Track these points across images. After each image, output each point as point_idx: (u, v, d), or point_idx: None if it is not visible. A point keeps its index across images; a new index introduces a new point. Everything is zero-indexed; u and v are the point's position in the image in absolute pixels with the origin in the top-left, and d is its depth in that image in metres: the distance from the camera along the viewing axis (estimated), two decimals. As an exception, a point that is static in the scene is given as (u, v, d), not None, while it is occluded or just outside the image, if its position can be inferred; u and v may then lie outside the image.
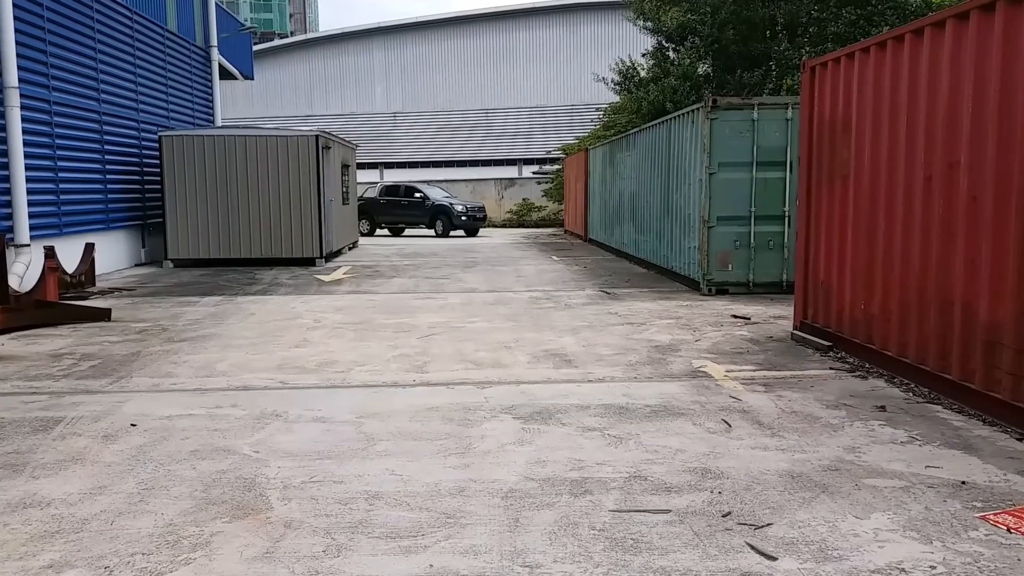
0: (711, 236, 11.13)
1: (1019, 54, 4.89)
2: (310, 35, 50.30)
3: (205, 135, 16.04)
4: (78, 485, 4.14)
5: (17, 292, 10.03)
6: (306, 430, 5.06)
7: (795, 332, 8.00)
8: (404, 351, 7.52)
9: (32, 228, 11.70)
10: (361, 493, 4.00)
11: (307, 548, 3.40)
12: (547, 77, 40.52)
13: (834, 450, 4.59)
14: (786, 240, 10.97)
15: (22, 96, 11.54)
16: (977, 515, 3.68)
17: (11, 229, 11.36)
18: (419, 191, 26.48)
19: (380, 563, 3.26)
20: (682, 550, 3.35)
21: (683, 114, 12.44)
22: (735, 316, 9.38)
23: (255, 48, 31.52)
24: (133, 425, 5.18)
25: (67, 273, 11.76)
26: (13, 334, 8.54)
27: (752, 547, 3.37)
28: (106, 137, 14.88)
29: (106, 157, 14.89)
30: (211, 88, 20.87)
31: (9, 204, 11.39)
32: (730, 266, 11.22)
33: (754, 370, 6.66)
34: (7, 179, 11.38)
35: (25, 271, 11.22)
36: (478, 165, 40.13)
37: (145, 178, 16.61)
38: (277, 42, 46.31)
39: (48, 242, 11.60)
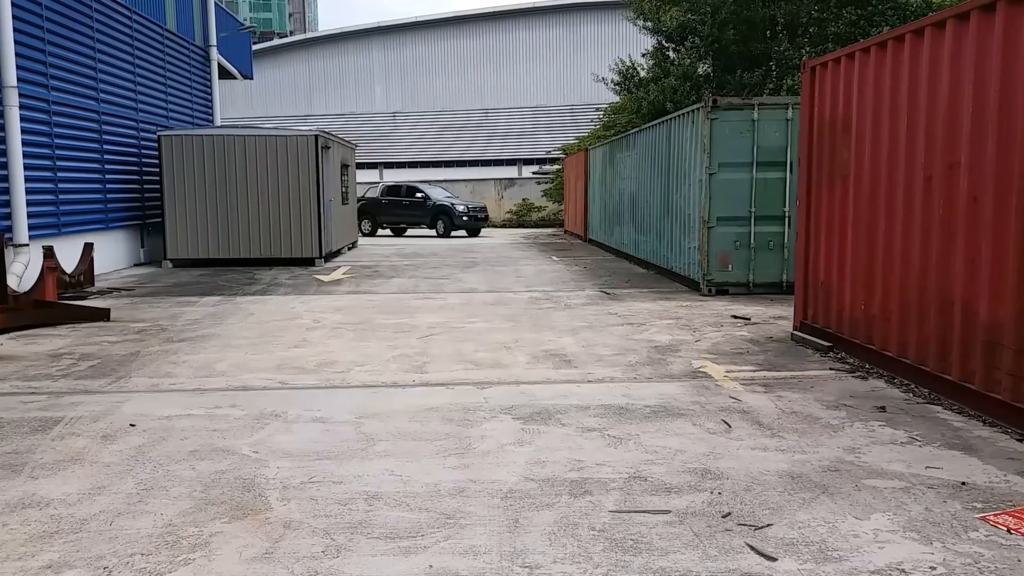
0: (711, 236, 11.13)
1: (1019, 54, 4.89)
2: (309, 35, 50.28)
3: (204, 135, 16.03)
4: (77, 485, 4.13)
5: (16, 292, 10.02)
6: (305, 430, 5.06)
7: (795, 332, 8.00)
8: (404, 351, 7.51)
9: (31, 228, 11.70)
10: (360, 493, 3.99)
11: (306, 548, 3.39)
12: (547, 77, 40.52)
13: (834, 451, 4.59)
14: (786, 240, 10.97)
15: (21, 96, 11.53)
16: (977, 516, 3.68)
17: (10, 229, 11.35)
18: (420, 191, 26.45)
19: (379, 564, 3.26)
20: (682, 551, 3.34)
21: (683, 114, 12.44)
22: (735, 316, 9.37)
23: (254, 48, 31.49)
24: (132, 425, 5.17)
25: (66, 273, 11.75)
26: (12, 334, 8.53)
27: (752, 548, 3.37)
28: (105, 137, 14.87)
29: (105, 157, 14.88)
30: (210, 88, 20.86)
31: (8, 204, 11.38)
32: (730, 266, 11.22)
33: (754, 370, 6.66)
34: (6, 179, 11.37)
35: (24, 271, 11.21)
36: (478, 165, 40.13)
37: (144, 178, 16.60)
38: (276, 42, 46.29)
39: (47, 242, 11.58)
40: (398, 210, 26.63)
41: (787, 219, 10.93)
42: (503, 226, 31.70)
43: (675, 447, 4.67)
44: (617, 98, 23.54)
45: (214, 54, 20.82)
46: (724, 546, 3.39)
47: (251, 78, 26.95)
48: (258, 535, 3.53)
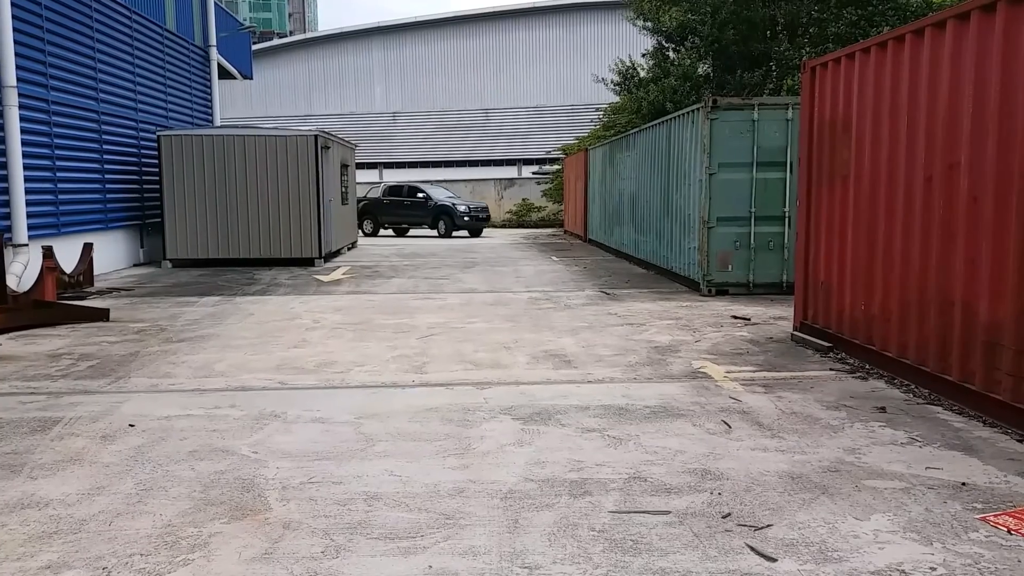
0: (711, 237, 11.13)
1: (1019, 54, 4.89)
2: (309, 35, 50.27)
3: (204, 135, 16.02)
4: (76, 486, 4.12)
5: (15, 292, 10.01)
6: (305, 431, 5.05)
7: (795, 333, 8.00)
8: (403, 351, 7.51)
9: (30, 228, 11.69)
10: (360, 494, 3.99)
11: (306, 549, 3.38)
12: (547, 77, 40.52)
13: (834, 451, 4.58)
14: (786, 241, 10.96)
15: (20, 95, 11.52)
16: (977, 516, 3.67)
17: (9, 229, 11.34)
18: (422, 191, 26.41)
19: (379, 564, 3.25)
20: (682, 551, 3.34)
21: (683, 114, 12.43)
22: (735, 317, 9.37)
23: (254, 48, 31.48)
24: (131, 425, 5.17)
25: (65, 273, 11.74)
26: (11, 334, 8.52)
27: (752, 548, 3.36)
28: (105, 137, 14.86)
29: (104, 157, 14.88)
30: (210, 88, 20.85)
31: (7, 204, 11.37)
32: (730, 267, 11.21)
33: (754, 371, 6.65)
34: (5, 179, 11.36)
35: (23, 271, 11.21)
36: (477, 165, 40.13)
37: (144, 178, 16.59)
38: (276, 42, 46.28)
39: (46, 242, 11.58)
40: (400, 210, 26.61)
41: (787, 219, 10.93)
42: (503, 226, 31.69)
43: (675, 447, 4.67)
44: (617, 98, 23.53)
45: (214, 54, 20.81)
46: (724, 547, 3.38)
47: (251, 78, 26.95)
48: (257, 535, 3.52)
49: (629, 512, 3.75)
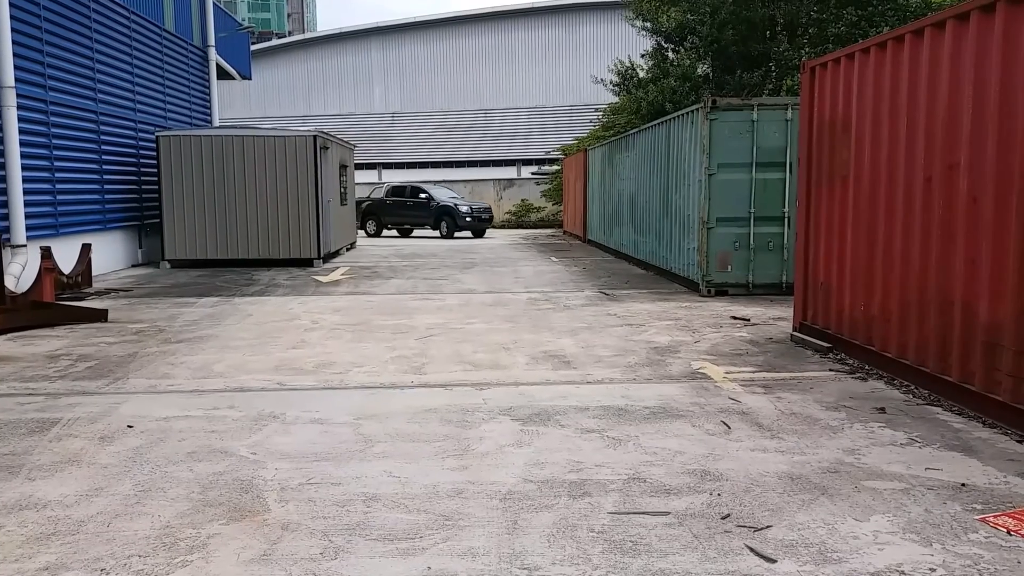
0: (710, 237, 11.12)
1: (1019, 55, 4.88)
2: (308, 35, 50.27)
3: (202, 135, 16.00)
4: (74, 487, 4.11)
5: (13, 293, 9.99)
6: (304, 432, 5.04)
7: (794, 333, 7.99)
8: (402, 352, 7.50)
9: (28, 228, 11.67)
10: (359, 495, 3.98)
11: (305, 550, 3.38)
12: (546, 77, 40.54)
13: (834, 452, 4.58)
14: (786, 241, 10.96)
15: (19, 96, 11.50)
16: (977, 517, 3.67)
17: (7, 229, 11.33)
18: (424, 192, 26.35)
19: (378, 565, 3.24)
20: (681, 552, 3.33)
21: (682, 115, 12.43)
22: (734, 317, 9.37)
23: (253, 48, 31.48)
24: (130, 426, 5.16)
25: (63, 274, 11.72)
26: (9, 335, 8.51)
27: (751, 549, 3.36)
28: (103, 137, 14.84)
29: (103, 157, 14.86)
30: (208, 88, 20.84)
31: (5, 204, 11.36)
32: (729, 267, 11.21)
33: (753, 372, 6.65)
34: (3, 179, 11.34)
35: (21, 271, 11.19)
36: (477, 166, 40.14)
37: (142, 178, 16.58)
38: (275, 42, 46.28)
39: (44, 242, 11.56)
40: (402, 211, 26.55)
41: (787, 220, 10.93)
42: (502, 227, 31.67)
43: (674, 448, 4.66)
44: (616, 99, 23.53)
45: (212, 54, 20.80)
46: (723, 548, 3.37)
47: (249, 78, 26.94)
48: (256, 537, 3.51)
49: (628, 513, 3.74)
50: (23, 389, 6.22)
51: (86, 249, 12.64)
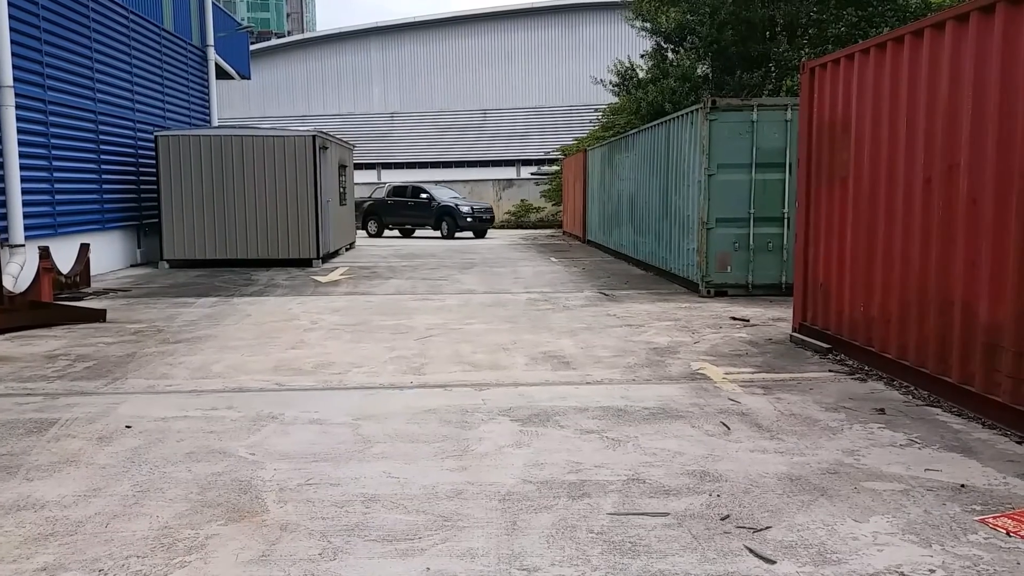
0: (710, 238, 11.12)
1: (1019, 55, 4.88)
2: (307, 35, 50.26)
3: (201, 135, 15.99)
4: (72, 487, 4.10)
5: (11, 292, 9.98)
6: (302, 432, 5.04)
7: (794, 334, 7.99)
8: (401, 353, 7.49)
9: (27, 228, 11.66)
10: (358, 496, 3.97)
11: (303, 551, 3.37)
12: (545, 78, 40.54)
13: (833, 453, 4.57)
14: (785, 242, 10.96)
15: (17, 96, 11.49)
16: (976, 518, 3.66)
17: (6, 229, 11.32)
18: (426, 192, 26.30)
19: (377, 566, 3.24)
20: (680, 553, 3.33)
21: (682, 115, 12.43)
22: (734, 318, 9.36)
23: (252, 48, 31.47)
24: (128, 427, 5.15)
25: (62, 274, 11.71)
26: (7, 335, 8.50)
27: (751, 550, 3.35)
28: (102, 137, 14.83)
29: (102, 157, 14.85)
30: (207, 88, 20.83)
31: (4, 204, 11.34)
32: (729, 268, 11.21)
33: (753, 372, 6.64)
34: (1, 179, 11.33)
35: (20, 271, 11.18)
36: (476, 166, 40.15)
37: (141, 178, 16.56)
38: (274, 42, 46.29)
39: (43, 242, 11.54)
40: (404, 211, 26.51)
41: (786, 220, 10.92)
42: (501, 227, 31.67)
43: (674, 449, 4.66)
44: (616, 99, 23.53)
45: (211, 54, 20.78)
46: (723, 549, 3.37)
47: (249, 78, 26.93)
48: (254, 538, 3.51)
49: (628, 514, 3.73)
50: (21, 389, 6.21)
51: (84, 249, 12.63)
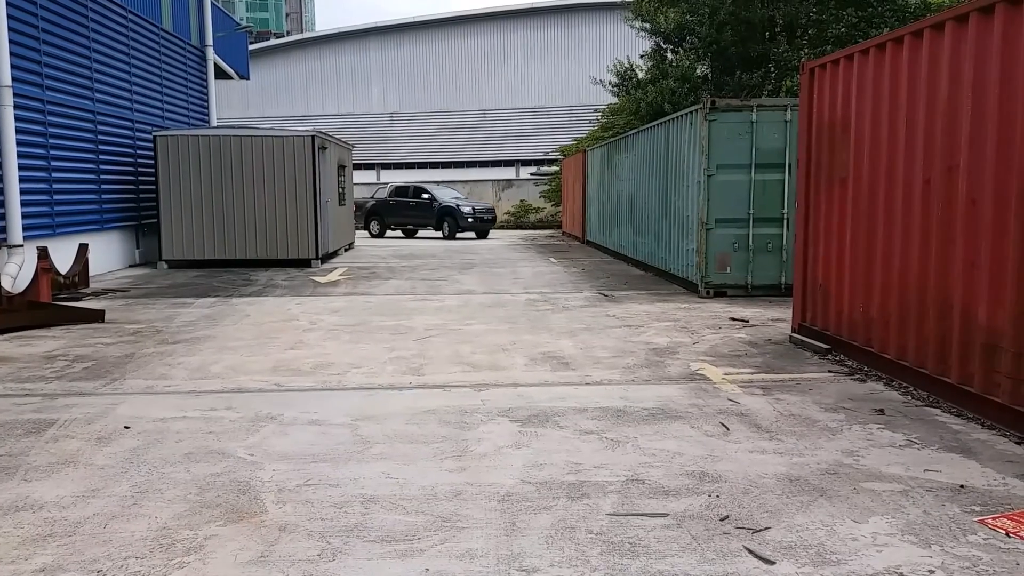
0: (709, 238, 11.12)
1: (1018, 56, 4.88)
2: (306, 35, 50.25)
3: (200, 135, 15.98)
4: (71, 488, 4.10)
5: (10, 293, 9.97)
6: (301, 433, 5.03)
7: (793, 335, 7.99)
8: (400, 353, 7.48)
9: (25, 228, 11.63)
10: (357, 496, 3.97)
11: (302, 552, 3.36)
12: (545, 78, 40.54)
13: (832, 453, 4.57)
14: (785, 242, 10.96)
15: (16, 95, 11.47)
16: (976, 519, 3.66)
17: (4, 229, 11.30)
18: (427, 192, 26.25)
19: (376, 567, 3.23)
20: (679, 554, 3.33)
21: (681, 115, 12.43)
22: (733, 319, 9.36)
23: (251, 47, 31.44)
24: (127, 427, 5.14)
25: (60, 274, 11.70)
26: (6, 335, 8.49)
27: (750, 551, 3.35)
28: (100, 137, 14.82)
29: (100, 157, 14.83)
30: (206, 88, 20.81)
31: (2, 204, 11.32)
32: (728, 268, 11.21)
33: (752, 373, 6.64)
34: (0, 179, 11.31)
35: (18, 272, 11.16)
36: (475, 166, 40.14)
37: (139, 178, 16.55)
38: (273, 41, 46.25)
39: (41, 242, 11.53)
40: (406, 211, 26.46)
41: (786, 221, 10.92)
42: (500, 227, 31.64)
43: (673, 450, 4.65)
44: (615, 99, 23.54)
45: (210, 54, 20.76)
46: (722, 549, 3.37)
47: (247, 78, 26.92)
48: (253, 538, 3.50)
49: (627, 515, 3.73)
50: (19, 390, 6.20)
51: (83, 249, 12.62)
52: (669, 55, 20.47)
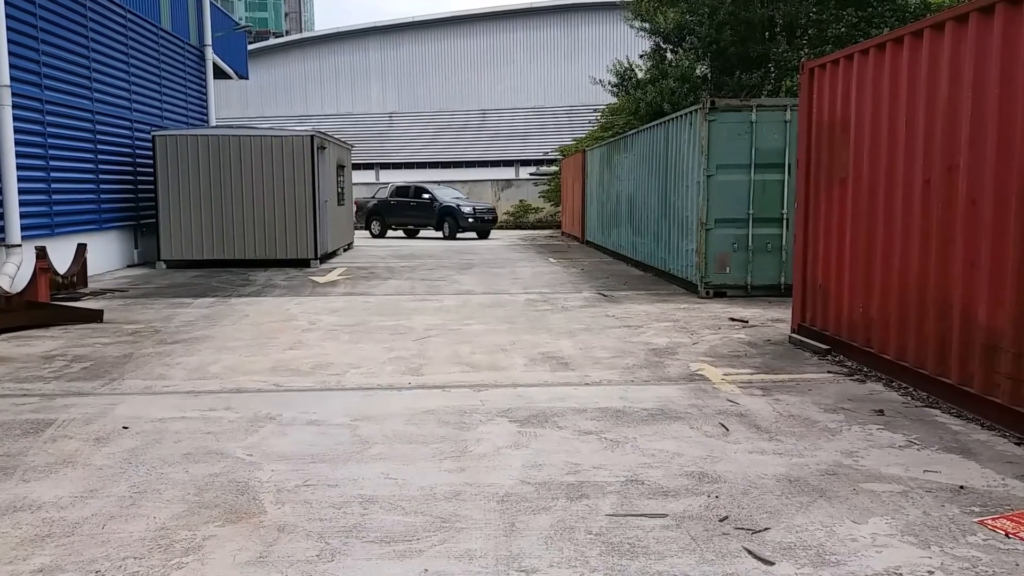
0: (709, 238, 11.11)
1: (1018, 56, 4.88)
2: (305, 34, 50.24)
3: (199, 135, 15.97)
4: (69, 488, 4.09)
5: (8, 293, 9.96)
6: (300, 433, 5.02)
7: (793, 335, 7.98)
8: (400, 353, 7.48)
9: (24, 228, 11.62)
10: (355, 497, 3.96)
11: (301, 552, 3.36)
12: (544, 78, 40.54)
13: (832, 454, 4.57)
14: (784, 242, 10.96)
15: (14, 95, 11.46)
16: (975, 520, 3.66)
17: (2, 229, 11.29)
18: (428, 192, 26.21)
19: (375, 568, 3.23)
20: (679, 555, 3.32)
21: (681, 115, 12.42)
22: (733, 319, 9.36)
23: (250, 47, 31.44)
24: (125, 428, 5.13)
25: (59, 274, 11.68)
26: (4, 335, 8.48)
27: (749, 552, 3.34)
28: (99, 136, 14.80)
29: (99, 157, 14.82)
30: (205, 87, 20.80)
31: (0, 204, 11.31)
32: (728, 268, 11.20)
33: (752, 373, 6.64)
34: None
35: (16, 272, 11.15)
36: (475, 166, 40.13)
37: (138, 178, 16.53)
38: (272, 41, 46.25)
39: (40, 242, 11.52)
40: (407, 211, 26.42)
41: (785, 221, 10.92)
42: (500, 227, 31.60)
43: (672, 450, 4.65)
44: (615, 99, 23.53)
45: (209, 54, 20.75)
46: (721, 550, 3.36)
47: (247, 78, 26.89)
48: (252, 539, 3.49)
49: (626, 515, 3.72)
50: (18, 390, 6.19)
51: (82, 249, 12.61)
52: (669, 55, 20.46)
